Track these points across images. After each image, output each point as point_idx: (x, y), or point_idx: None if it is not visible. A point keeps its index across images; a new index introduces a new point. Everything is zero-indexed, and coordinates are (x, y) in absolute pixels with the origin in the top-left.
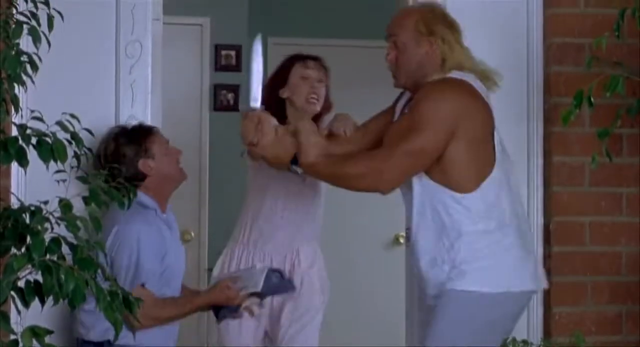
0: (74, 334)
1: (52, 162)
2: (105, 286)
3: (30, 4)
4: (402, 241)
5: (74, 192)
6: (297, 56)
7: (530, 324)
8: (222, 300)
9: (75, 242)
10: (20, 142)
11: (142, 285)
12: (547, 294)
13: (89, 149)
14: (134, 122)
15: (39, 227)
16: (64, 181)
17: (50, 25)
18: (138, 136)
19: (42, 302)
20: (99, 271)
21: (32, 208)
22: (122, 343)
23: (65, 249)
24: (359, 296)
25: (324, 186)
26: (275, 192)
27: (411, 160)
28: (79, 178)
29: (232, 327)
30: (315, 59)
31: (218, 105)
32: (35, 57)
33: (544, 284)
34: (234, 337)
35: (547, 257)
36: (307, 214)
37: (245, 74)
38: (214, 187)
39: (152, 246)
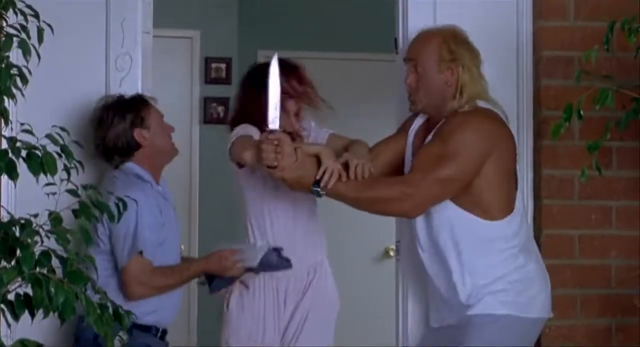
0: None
1: (42, 175)
2: (95, 299)
3: (20, 17)
4: (392, 253)
5: (64, 205)
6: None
7: None
8: (218, 269)
9: (65, 255)
10: (10, 155)
11: (140, 253)
12: None
13: (79, 162)
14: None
15: (29, 240)
16: (53, 194)
17: (40, 38)
18: (135, 105)
19: (32, 315)
20: (89, 284)
21: (22, 221)
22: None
23: (55, 262)
24: (348, 309)
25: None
26: (281, 207)
27: (442, 188)
28: (69, 191)
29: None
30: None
31: (208, 118)
32: (25, 70)
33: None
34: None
35: None
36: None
37: (235, 87)
38: (204, 200)
39: (151, 216)
